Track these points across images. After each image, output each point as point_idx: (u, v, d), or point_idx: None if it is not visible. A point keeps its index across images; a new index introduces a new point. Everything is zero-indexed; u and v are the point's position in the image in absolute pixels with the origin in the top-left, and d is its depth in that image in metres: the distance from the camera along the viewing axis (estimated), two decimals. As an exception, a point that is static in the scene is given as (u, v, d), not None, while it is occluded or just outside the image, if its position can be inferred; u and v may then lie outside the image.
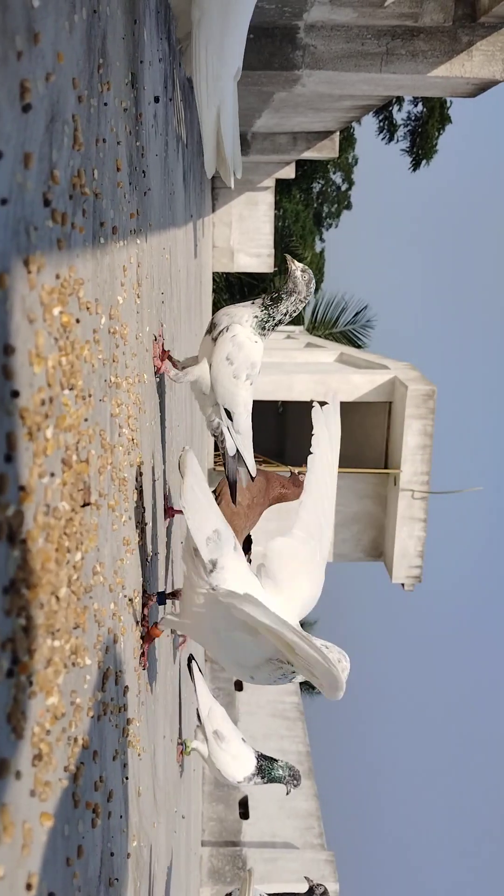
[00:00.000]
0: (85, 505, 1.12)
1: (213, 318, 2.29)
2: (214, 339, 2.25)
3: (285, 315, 2.25)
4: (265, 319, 2.25)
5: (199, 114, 2.45)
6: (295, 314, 2.30)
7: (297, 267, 2.23)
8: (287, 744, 7.59)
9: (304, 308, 2.33)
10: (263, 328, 2.25)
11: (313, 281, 2.26)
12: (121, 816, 1.49)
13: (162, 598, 2.03)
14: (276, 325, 2.26)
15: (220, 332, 2.24)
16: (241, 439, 2.37)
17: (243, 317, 2.25)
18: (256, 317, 2.24)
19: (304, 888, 3.45)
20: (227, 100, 2.44)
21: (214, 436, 2.40)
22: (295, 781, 3.39)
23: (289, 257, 2.27)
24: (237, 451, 2.38)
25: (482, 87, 5.23)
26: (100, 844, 1.25)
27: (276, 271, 20.60)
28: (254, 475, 2.47)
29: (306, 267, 2.24)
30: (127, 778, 1.58)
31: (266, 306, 2.24)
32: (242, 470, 2.45)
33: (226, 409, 2.30)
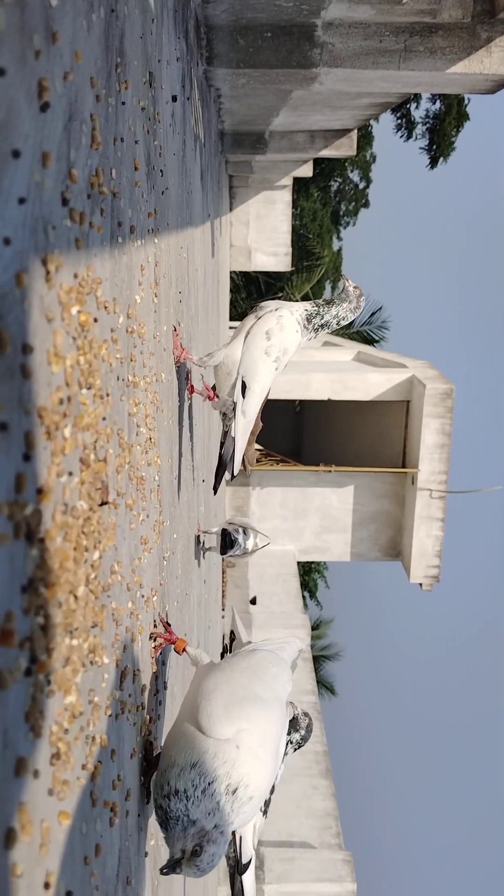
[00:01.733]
0: (103, 504, 1.12)
1: (260, 303, 2.37)
2: (259, 318, 2.31)
3: (334, 318, 2.35)
4: (314, 314, 2.34)
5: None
6: (344, 322, 2.40)
7: (350, 283, 2.35)
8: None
9: (352, 319, 2.42)
10: (309, 321, 2.34)
11: (364, 297, 2.38)
12: (139, 815, 1.49)
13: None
14: (323, 325, 2.35)
15: (267, 312, 2.31)
16: (243, 424, 2.38)
17: (294, 307, 2.35)
18: (307, 310, 2.34)
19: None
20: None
21: (223, 413, 2.42)
22: (305, 733, 3.06)
23: (344, 274, 2.42)
24: (234, 434, 2.40)
25: (501, 84, 5.18)
26: (118, 843, 1.26)
27: (294, 270, 20.59)
28: (236, 473, 2.49)
29: (358, 284, 2.37)
30: (144, 777, 1.58)
31: (319, 305, 2.35)
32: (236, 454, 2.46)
33: (243, 382, 2.33)
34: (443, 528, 9.49)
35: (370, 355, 11.39)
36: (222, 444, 2.44)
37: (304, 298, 21.05)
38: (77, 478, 1.00)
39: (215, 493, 2.84)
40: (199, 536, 3.58)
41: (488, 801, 53.43)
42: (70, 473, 0.97)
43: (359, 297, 2.36)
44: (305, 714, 2.57)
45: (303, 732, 2.66)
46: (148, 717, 1.65)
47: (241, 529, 4.03)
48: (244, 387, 2.34)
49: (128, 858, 1.35)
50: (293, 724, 2.66)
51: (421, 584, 9.72)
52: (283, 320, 2.30)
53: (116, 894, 1.23)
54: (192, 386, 2.58)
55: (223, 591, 8.96)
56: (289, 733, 2.61)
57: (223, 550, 3.98)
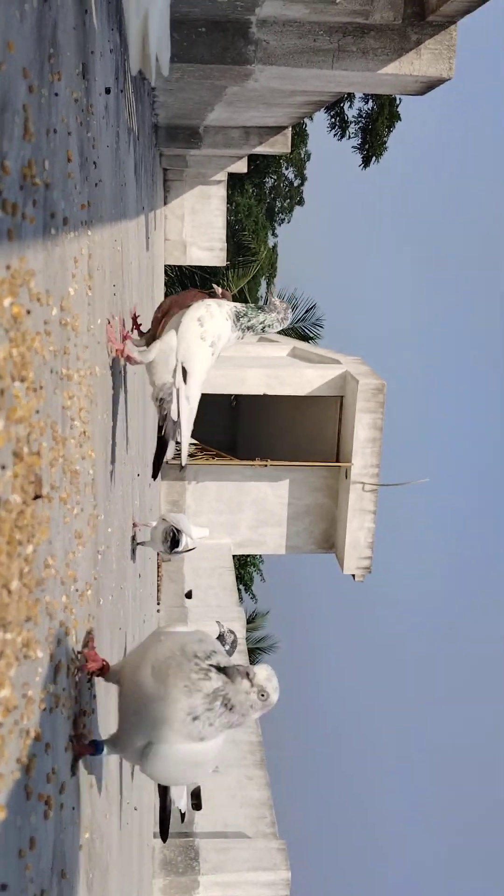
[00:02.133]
0: (37, 497, 1.12)
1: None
2: (188, 308, 2.36)
3: (260, 323, 2.42)
4: (242, 314, 2.42)
5: (126, 14, 2.46)
6: (270, 330, 2.47)
7: (275, 297, 2.45)
8: (239, 733, 7.62)
9: (278, 330, 2.49)
10: (238, 319, 2.39)
11: (290, 309, 2.47)
12: (73, 808, 1.49)
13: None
14: (250, 328, 2.43)
15: (195, 305, 2.36)
16: (186, 410, 2.41)
17: (222, 302, 2.42)
18: (236, 308, 2.41)
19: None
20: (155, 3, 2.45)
21: (161, 398, 2.43)
22: (230, 648, 3.03)
23: (272, 287, 2.55)
24: (178, 419, 2.42)
25: (430, 85, 5.30)
26: (52, 836, 1.26)
27: (229, 265, 20.59)
28: (185, 464, 2.53)
29: (285, 300, 2.47)
30: (79, 770, 1.58)
31: (248, 307, 2.43)
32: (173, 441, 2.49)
33: (183, 368, 2.36)
34: (374, 520, 9.67)
35: (305, 351, 11.50)
36: (161, 427, 2.46)
37: (240, 293, 21.10)
38: (10, 471, 1.00)
39: (154, 478, 2.85)
40: (134, 535, 3.56)
41: (419, 788, 54.81)
42: (3, 467, 0.96)
43: (286, 309, 2.44)
44: (231, 631, 2.78)
45: (227, 647, 2.79)
46: (82, 710, 1.64)
47: (175, 530, 4.05)
48: (185, 372, 2.37)
49: (62, 852, 1.35)
50: (220, 639, 2.83)
51: (354, 576, 9.89)
52: (212, 309, 2.37)
53: (51, 887, 1.23)
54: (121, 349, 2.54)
55: (158, 586, 8.93)
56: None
57: (171, 548, 4.00)
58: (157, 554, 6.51)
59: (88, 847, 1.70)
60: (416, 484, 10.07)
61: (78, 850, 1.54)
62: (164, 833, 2.44)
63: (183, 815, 2.89)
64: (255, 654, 18.91)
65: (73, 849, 1.49)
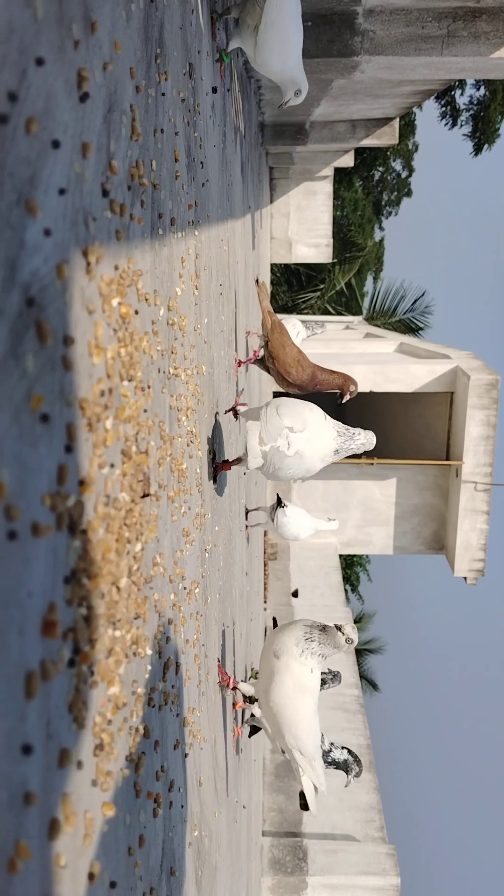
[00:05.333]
0: (145, 496, 1.12)
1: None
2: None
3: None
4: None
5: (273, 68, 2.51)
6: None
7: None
8: (348, 736, 7.54)
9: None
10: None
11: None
12: (182, 806, 1.50)
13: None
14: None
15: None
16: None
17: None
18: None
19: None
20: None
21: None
22: (357, 768, 3.24)
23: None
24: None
25: (547, 67, 5.05)
26: (161, 834, 1.26)
27: (335, 262, 20.43)
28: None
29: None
30: (188, 768, 1.58)
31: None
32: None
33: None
34: (488, 521, 9.35)
35: (413, 346, 11.25)
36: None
37: (347, 286, 20.86)
38: (119, 469, 1.00)
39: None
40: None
41: (535, 798, 52.69)
42: (112, 465, 0.97)
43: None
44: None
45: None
46: (191, 707, 1.65)
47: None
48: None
49: (171, 849, 1.35)
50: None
51: (465, 578, 9.59)
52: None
53: (160, 885, 1.24)
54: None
55: (265, 584, 8.97)
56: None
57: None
58: (265, 553, 6.52)
59: (197, 845, 1.70)
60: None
61: (187, 848, 1.55)
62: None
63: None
64: (362, 655, 18.70)
65: (182, 847, 1.49)
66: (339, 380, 2.82)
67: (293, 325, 4.43)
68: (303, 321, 4.60)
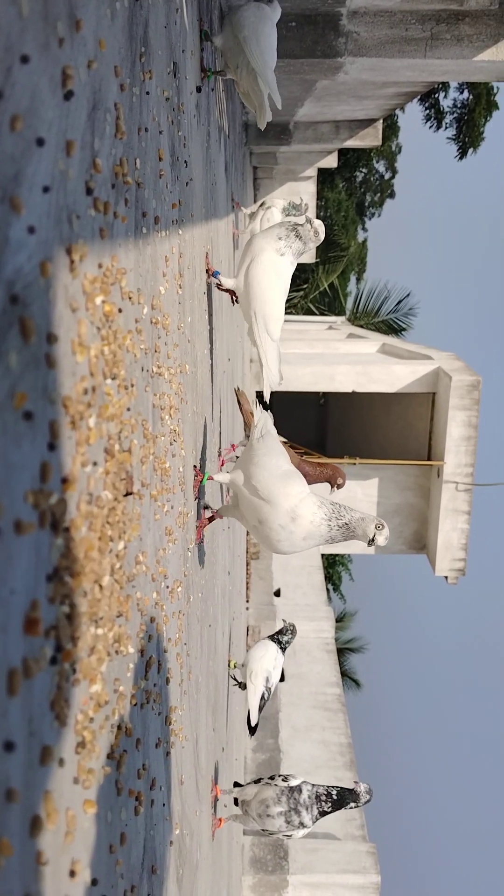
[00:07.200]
0: (127, 494, 1.12)
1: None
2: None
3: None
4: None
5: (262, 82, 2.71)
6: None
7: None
8: (329, 735, 7.58)
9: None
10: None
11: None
12: (164, 804, 1.50)
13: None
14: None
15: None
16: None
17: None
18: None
19: None
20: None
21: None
22: (290, 637, 3.33)
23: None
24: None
25: (530, 71, 5.10)
26: (142, 832, 1.26)
27: (318, 262, 20.48)
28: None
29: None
30: (170, 766, 1.59)
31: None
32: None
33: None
34: (469, 521, 9.42)
35: (395, 347, 11.31)
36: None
37: (330, 287, 20.93)
38: (102, 468, 1.00)
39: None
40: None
41: (514, 796, 53.13)
42: (94, 463, 0.97)
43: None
44: (291, 624, 3.37)
45: (289, 636, 3.35)
46: (173, 706, 1.65)
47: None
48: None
49: (153, 847, 1.36)
50: (280, 632, 3.16)
51: (446, 578, 9.66)
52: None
53: (141, 883, 1.24)
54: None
55: (247, 583, 8.98)
56: (279, 640, 3.33)
57: None
58: (247, 552, 6.53)
59: (179, 843, 1.70)
60: (512, 483, 9.75)
61: (168, 847, 1.55)
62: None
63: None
64: (343, 654, 18.76)
65: (164, 845, 1.50)
66: (326, 472, 2.88)
67: (271, 213, 4.23)
68: (283, 208, 4.26)
